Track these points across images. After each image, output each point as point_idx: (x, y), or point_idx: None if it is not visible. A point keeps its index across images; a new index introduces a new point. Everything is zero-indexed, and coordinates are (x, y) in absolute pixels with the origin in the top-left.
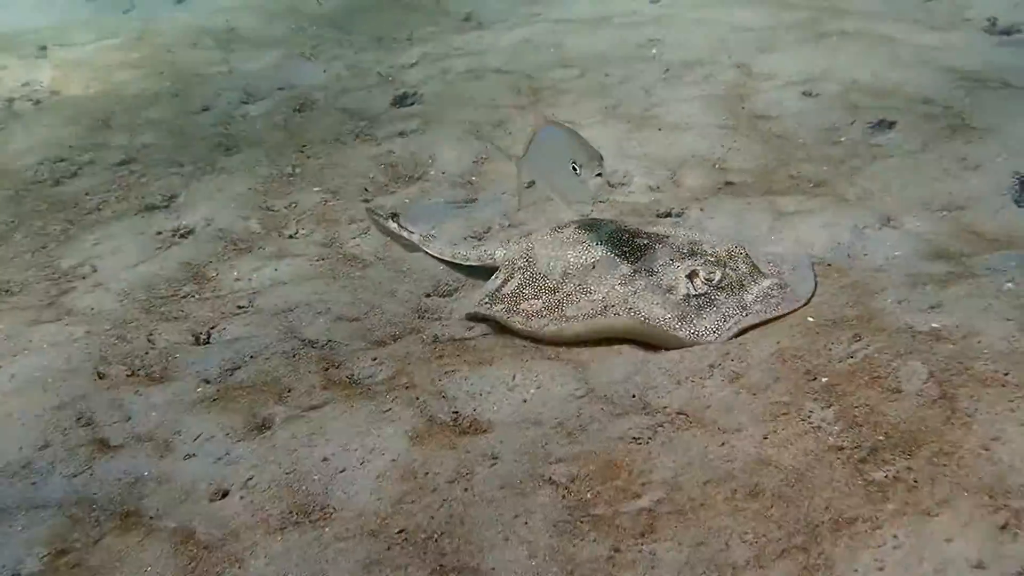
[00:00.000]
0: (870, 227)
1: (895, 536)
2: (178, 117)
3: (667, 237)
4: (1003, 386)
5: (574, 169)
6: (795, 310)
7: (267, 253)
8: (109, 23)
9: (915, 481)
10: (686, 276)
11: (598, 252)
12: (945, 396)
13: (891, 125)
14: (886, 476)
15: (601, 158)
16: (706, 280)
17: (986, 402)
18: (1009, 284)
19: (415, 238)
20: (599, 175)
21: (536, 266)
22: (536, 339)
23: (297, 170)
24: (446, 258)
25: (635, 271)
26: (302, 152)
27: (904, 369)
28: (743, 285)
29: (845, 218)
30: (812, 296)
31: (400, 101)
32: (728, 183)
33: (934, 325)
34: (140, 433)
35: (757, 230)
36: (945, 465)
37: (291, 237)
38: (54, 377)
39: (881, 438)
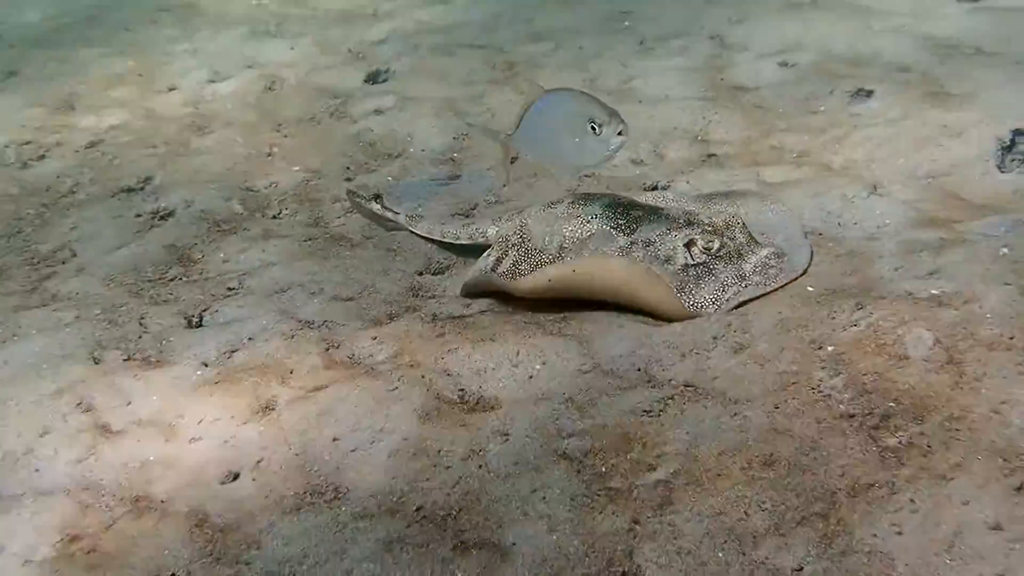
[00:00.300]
0: (858, 196)
1: (912, 500)
2: (145, 97)
3: (663, 208)
4: (1009, 350)
5: (593, 129)
6: (794, 279)
7: (252, 234)
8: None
9: (928, 446)
10: (684, 245)
11: (594, 225)
12: (952, 361)
13: (869, 94)
14: (899, 442)
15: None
16: (704, 249)
17: (993, 366)
18: (1005, 249)
19: (400, 219)
20: (621, 133)
21: (531, 242)
22: (531, 292)
23: (275, 150)
24: (435, 237)
25: (632, 242)
26: (278, 131)
27: (909, 336)
28: (741, 254)
29: (832, 187)
30: (809, 265)
31: (373, 78)
32: (711, 155)
33: (933, 292)
34: (142, 418)
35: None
36: (957, 430)
37: (275, 218)
38: (48, 363)
39: (892, 404)
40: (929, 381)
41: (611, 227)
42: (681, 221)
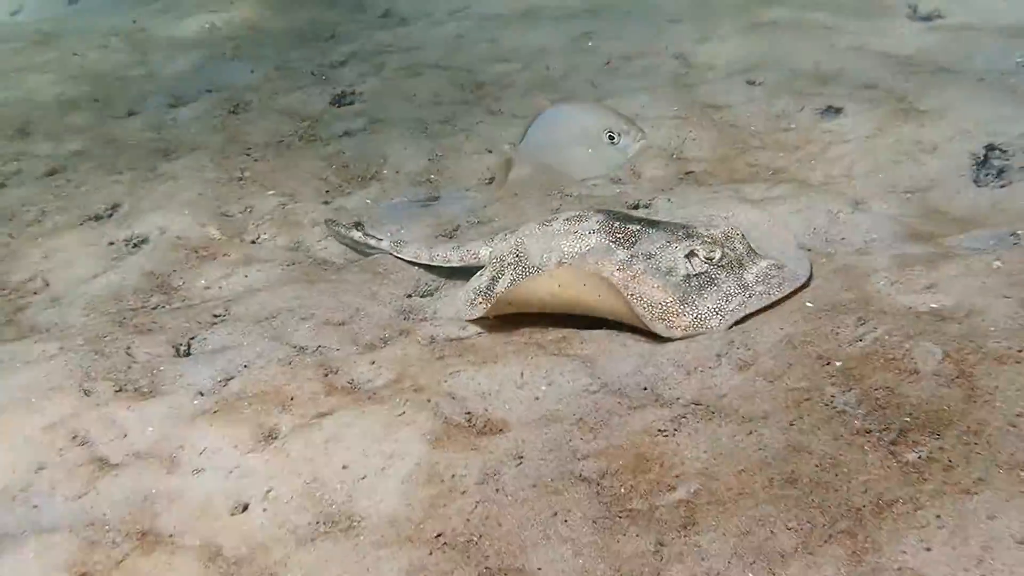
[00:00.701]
0: (843, 211)
1: (938, 516)
2: (103, 123)
3: (660, 221)
4: (1018, 363)
5: (611, 138)
6: (798, 290)
7: (233, 260)
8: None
9: (949, 461)
10: (684, 256)
11: (592, 239)
12: (963, 375)
13: (839, 111)
14: (919, 457)
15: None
16: (706, 259)
17: (1004, 379)
18: (998, 263)
19: (384, 245)
20: (642, 140)
21: (528, 260)
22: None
23: (246, 173)
24: (424, 261)
25: (632, 255)
26: (248, 155)
27: (918, 350)
28: (742, 264)
29: (815, 203)
30: (811, 276)
31: (339, 100)
32: (688, 172)
33: (933, 305)
34: (140, 450)
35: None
36: (976, 443)
37: (254, 243)
38: (37, 396)
39: (907, 419)
40: (942, 395)
41: (610, 240)
42: (680, 233)
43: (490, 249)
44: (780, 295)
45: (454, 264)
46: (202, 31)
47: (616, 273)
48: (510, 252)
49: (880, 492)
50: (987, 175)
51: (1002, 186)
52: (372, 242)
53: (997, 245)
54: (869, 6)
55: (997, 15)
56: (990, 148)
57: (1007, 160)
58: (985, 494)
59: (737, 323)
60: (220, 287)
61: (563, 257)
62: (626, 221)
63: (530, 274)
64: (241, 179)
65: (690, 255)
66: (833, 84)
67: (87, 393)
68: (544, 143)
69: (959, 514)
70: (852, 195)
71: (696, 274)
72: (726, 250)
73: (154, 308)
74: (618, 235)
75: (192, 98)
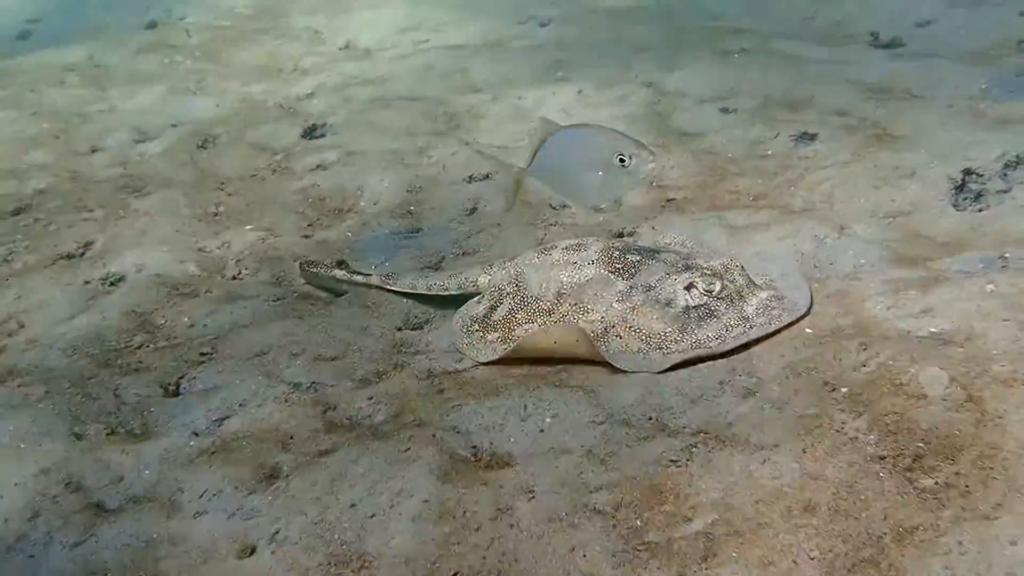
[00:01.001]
0: (829, 237)
1: (959, 543)
2: (67, 160)
3: (659, 252)
4: None
5: (621, 161)
6: (797, 320)
7: (215, 296)
8: None
9: (966, 486)
10: (683, 288)
11: (591, 271)
12: (972, 399)
13: (813, 137)
14: (936, 483)
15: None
16: (705, 291)
17: (1013, 403)
18: (991, 286)
19: (374, 279)
20: (652, 163)
21: (527, 290)
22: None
23: (221, 208)
24: (420, 291)
25: (631, 287)
26: (222, 190)
27: (924, 375)
28: (742, 296)
29: (801, 229)
30: (811, 306)
31: (310, 133)
32: (670, 200)
33: (932, 330)
34: (138, 494)
35: (716, 245)
36: (991, 468)
37: (235, 278)
38: (26, 442)
39: (920, 445)
40: (951, 420)
41: (609, 271)
42: (679, 265)
43: (489, 277)
44: (780, 325)
45: (452, 292)
46: (162, 65)
47: (615, 304)
48: (509, 281)
49: (900, 519)
50: (965, 199)
51: (980, 210)
52: (359, 278)
53: (986, 268)
54: (832, 35)
55: (956, 43)
56: (967, 172)
57: (984, 184)
58: (1005, 519)
59: (732, 352)
60: (205, 324)
61: (562, 288)
62: (625, 251)
63: (529, 304)
64: (216, 214)
65: (689, 287)
66: (805, 111)
67: (78, 437)
68: (553, 166)
69: (980, 540)
70: (836, 220)
71: (695, 306)
72: (725, 282)
73: (138, 347)
74: (617, 266)
75: (157, 133)
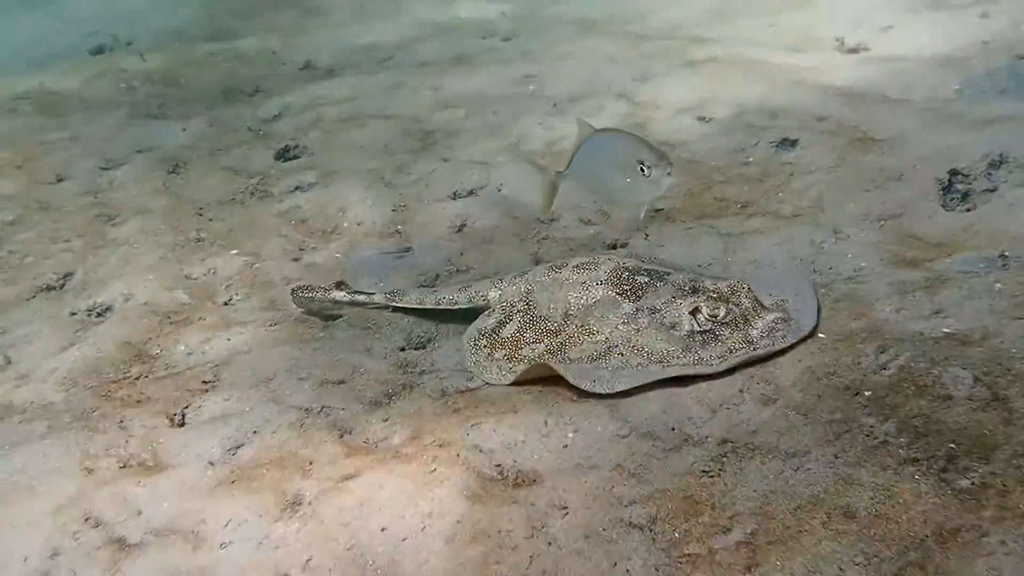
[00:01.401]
0: (826, 242)
1: (1003, 543)
2: (33, 190)
3: (668, 274)
4: None
5: (642, 169)
6: (801, 340)
7: (210, 323)
8: None
9: (1003, 485)
10: (689, 313)
11: (599, 292)
12: (998, 399)
13: (794, 143)
14: (972, 483)
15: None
16: (710, 316)
17: None
18: (998, 285)
19: (378, 298)
20: (670, 174)
21: (536, 309)
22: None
23: (203, 234)
24: (428, 306)
25: (637, 309)
26: (201, 215)
27: (947, 375)
28: (747, 320)
29: (796, 235)
30: (817, 325)
31: (283, 155)
32: (658, 210)
33: (946, 330)
34: (159, 527)
35: (712, 254)
36: None
37: (227, 304)
38: (37, 479)
39: (952, 446)
40: (980, 420)
41: (616, 293)
42: (686, 288)
43: (499, 292)
44: (781, 347)
45: (462, 306)
46: (119, 90)
47: (620, 326)
48: (520, 299)
49: (940, 521)
50: (953, 199)
51: (967, 209)
52: (362, 297)
53: (987, 267)
54: (798, 41)
55: (921, 47)
56: (953, 173)
57: (969, 184)
58: None
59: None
60: (203, 352)
61: (569, 309)
62: (635, 273)
63: (537, 323)
64: (199, 240)
65: (694, 311)
66: (782, 117)
67: (90, 471)
68: (590, 170)
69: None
70: (830, 225)
71: (700, 331)
72: (731, 306)
73: (137, 378)
74: (625, 287)
75: (124, 159)
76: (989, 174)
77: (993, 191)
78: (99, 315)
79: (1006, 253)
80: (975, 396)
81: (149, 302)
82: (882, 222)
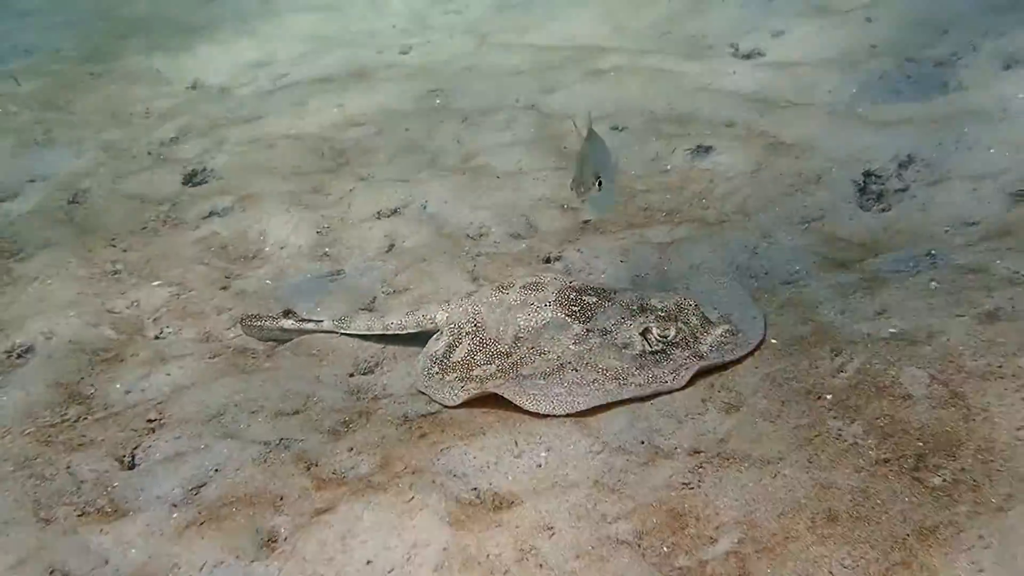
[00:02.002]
0: (759, 246)
1: (981, 537)
2: None
3: (615, 293)
4: (1002, 378)
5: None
6: (750, 353)
7: (143, 359)
8: None
9: (974, 480)
10: (640, 333)
11: (547, 314)
12: (955, 395)
13: (708, 149)
14: (944, 480)
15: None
16: (660, 337)
17: (993, 395)
18: (934, 283)
19: (326, 325)
20: (599, 186)
21: (485, 332)
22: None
23: (118, 266)
24: (377, 332)
25: (588, 330)
26: (114, 246)
27: (904, 375)
28: (696, 337)
29: (729, 241)
30: (764, 338)
31: (191, 179)
32: (586, 221)
33: (892, 330)
34: (129, 575)
35: (648, 264)
36: (991, 460)
37: (158, 338)
38: None
39: (919, 444)
40: (941, 417)
41: (566, 314)
42: (635, 307)
43: (446, 314)
44: (731, 359)
45: (410, 331)
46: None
47: (572, 347)
48: (468, 321)
49: (919, 519)
50: (869, 200)
51: (883, 210)
52: (310, 325)
53: (917, 266)
54: (694, 48)
55: (814, 51)
56: (867, 175)
57: (883, 184)
58: (1018, 509)
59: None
60: (143, 390)
61: (519, 332)
62: (581, 293)
63: (487, 346)
64: (116, 272)
65: (645, 332)
66: (692, 124)
67: (47, 522)
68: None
69: (1000, 532)
70: (757, 230)
71: (652, 351)
72: (680, 324)
73: (76, 421)
74: (574, 308)
75: (15, 190)
76: (900, 174)
77: (905, 191)
78: (19, 356)
79: (933, 252)
80: (933, 394)
81: (74, 340)
82: (806, 225)
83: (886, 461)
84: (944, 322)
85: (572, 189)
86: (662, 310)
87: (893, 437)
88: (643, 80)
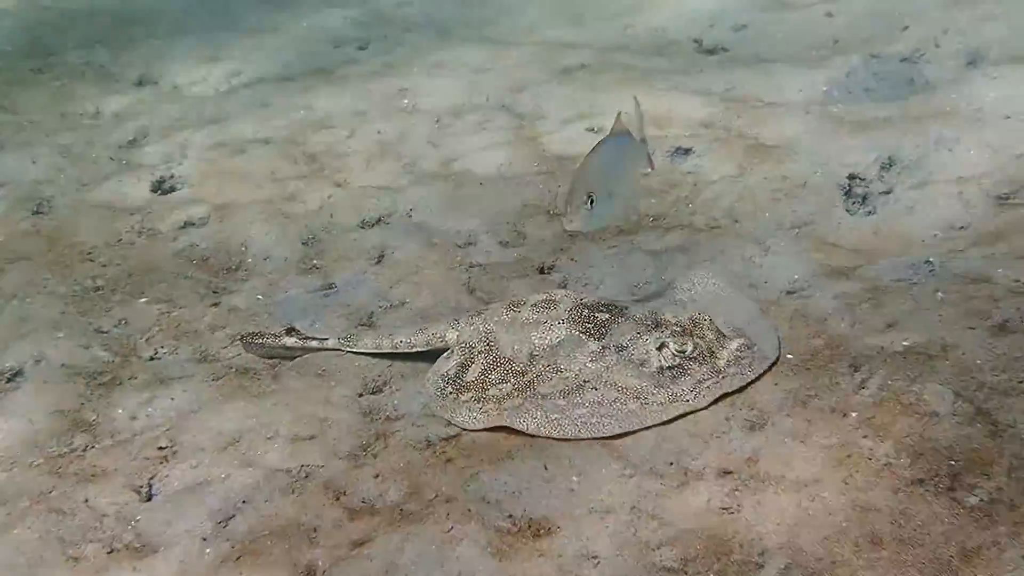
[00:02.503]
0: (756, 255)
1: (1023, 557)
2: None
3: (627, 308)
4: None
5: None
6: (769, 369)
7: (143, 382)
8: None
9: (1011, 500)
10: (656, 348)
11: (562, 331)
12: (980, 412)
13: (687, 151)
14: (981, 500)
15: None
16: (678, 352)
17: (1019, 411)
18: (940, 294)
19: (330, 343)
20: (588, 205)
21: (499, 351)
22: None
23: (99, 281)
24: (386, 350)
25: (604, 347)
26: (91, 260)
27: (927, 392)
28: (713, 352)
29: (724, 248)
30: (780, 352)
31: (159, 187)
32: (570, 234)
33: (905, 343)
34: None
35: (645, 274)
36: None
37: (153, 359)
38: (20, 574)
39: (952, 463)
40: (969, 435)
41: (580, 332)
42: (649, 322)
43: (457, 332)
44: (753, 376)
45: (420, 349)
46: None
47: (589, 364)
48: (480, 339)
49: (961, 540)
50: (855, 203)
51: (869, 213)
52: (314, 344)
53: (916, 274)
54: (657, 43)
55: (776, 46)
56: (851, 177)
57: (867, 187)
58: None
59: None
60: (148, 415)
61: (534, 350)
62: (595, 310)
63: (502, 365)
64: (99, 289)
65: (661, 347)
66: (668, 125)
67: (76, 560)
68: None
69: None
70: (750, 237)
71: (669, 367)
72: (696, 339)
73: (84, 450)
74: (588, 325)
75: None
76: (882, 176)
77: (889, 193)
78: (9, 380)
79: (931, 260)
80: (959, 411)
81: (67, 363)
82: (796, 230)
83: (921, 481)
84: (956, 335)
85: (559, 208)
86: (677, 324)
87: (924, 456)
88: (612, 78)
